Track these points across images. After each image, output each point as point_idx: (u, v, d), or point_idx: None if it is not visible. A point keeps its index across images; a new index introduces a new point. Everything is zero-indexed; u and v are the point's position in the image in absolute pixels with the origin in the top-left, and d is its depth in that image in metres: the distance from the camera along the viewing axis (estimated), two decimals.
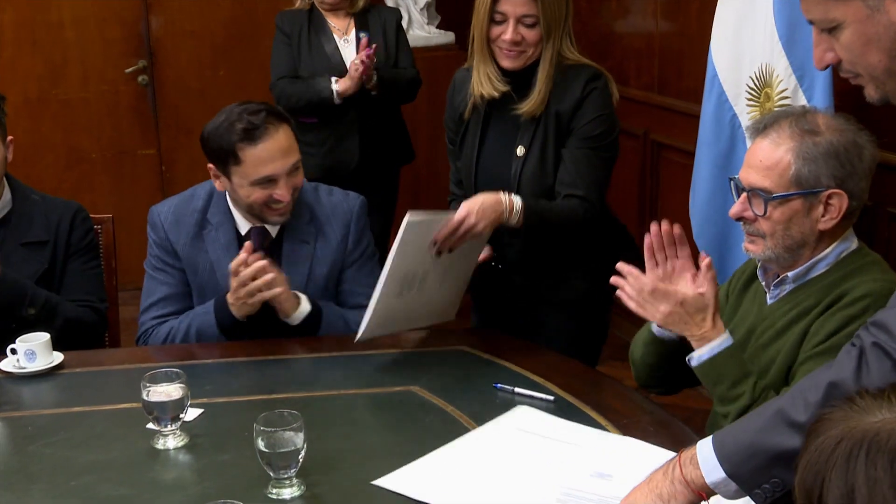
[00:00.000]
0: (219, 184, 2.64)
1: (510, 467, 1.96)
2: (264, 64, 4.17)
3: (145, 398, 2.05)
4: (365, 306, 2.45)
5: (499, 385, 2.29)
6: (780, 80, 2.92)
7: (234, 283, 2.52)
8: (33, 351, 2.40)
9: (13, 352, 2.41)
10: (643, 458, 1.92)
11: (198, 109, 5.32)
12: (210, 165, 2.63)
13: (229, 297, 2.55)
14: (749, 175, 2.05)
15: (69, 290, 2.74)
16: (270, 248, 2.65)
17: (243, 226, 2.68)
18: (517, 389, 2.25)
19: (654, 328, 2.21)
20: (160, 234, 2.71)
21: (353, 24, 4.02)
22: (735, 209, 2.10)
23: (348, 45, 3.98)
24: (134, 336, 2.74)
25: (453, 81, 2.84)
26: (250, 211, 2.62)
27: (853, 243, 2.08)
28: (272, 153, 2.52)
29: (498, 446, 2.04)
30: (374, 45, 3.81)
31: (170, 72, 5.29)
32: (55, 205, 2.82)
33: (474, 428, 2.10)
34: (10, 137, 2.72)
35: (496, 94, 2.65)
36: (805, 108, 2.12)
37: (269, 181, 2.54)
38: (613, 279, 2.18)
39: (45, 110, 5.17)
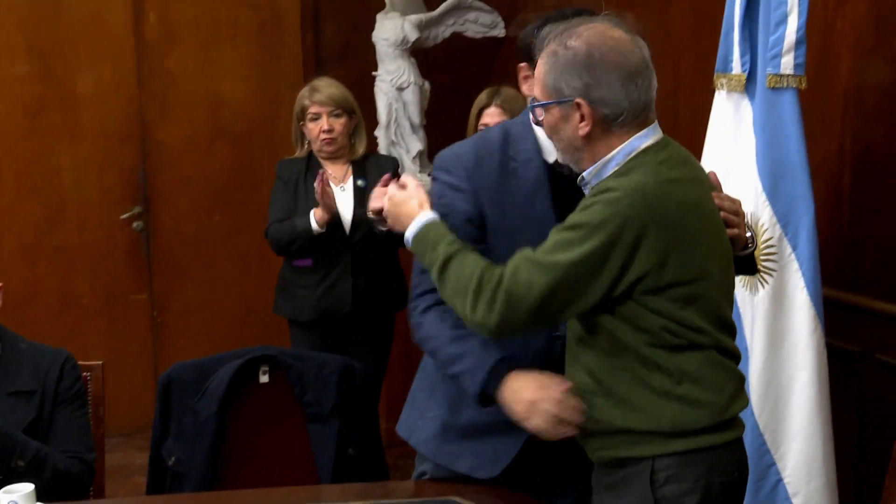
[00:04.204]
0: (526, 87, 2.51)
1: None
2: (260, 210, 4.22)
3: None
4: None
5: None
6: (766, 230, 2.96)
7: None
8: (17, 502, 2.36)
9: None
10: None
11: (192, 254, 5.39)
12: (523, 64, 2.53)
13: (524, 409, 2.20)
14: (534, 89, 2.22)
15: (56, 440, 2.71)
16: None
17: (552, 154, 2.42)
18: None
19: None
20: (460, 174, 2.43)
21: (350, 171, 4.08)
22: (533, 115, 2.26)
23: (344, 193, 4.04)
24: (119, 484, 2.70)
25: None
26: None
27: (646, 141, 2.12)
28: None
29: None
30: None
31: (165, 217, 5.36)
32: (43, 353, 2.81)
33: None
34: (0, 284, 2.74)
35: None
36: (576, 25, 2.14)
37: None
38: None
39: (40, 255, 5.21)
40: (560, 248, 2.06)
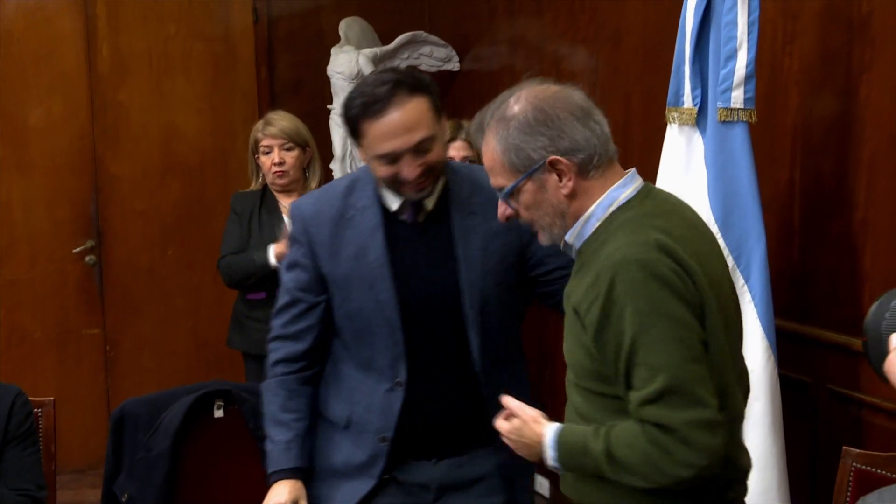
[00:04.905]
0: (360, 154, 2.50)
1: None
2: (214, 243, 4.20)
3: None
4: None
5: None
6: None
7: None
8: None
9: None
10: None
11: (145, 288, 5.34)
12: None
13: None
14: (490, 180, 2.12)
15: (7, 477, 2.67)
16: (430, 222, 2.51)
17: (394, 202, 2.49)
18: None
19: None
20: (298, 227, 2.54)
21: None
22: (500, 213, 2.14)
23: None
24: None
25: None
26: (386, 186, 2.47)
27: (626, 191, 2.06)
28: (392, 128, 2.34)
29: None
30: None
31: (118, 251, 5.31)
32: None
33: None
34: None
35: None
36: (505, 95, 2.10)
37: (393, 158, 2.37)
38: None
39: None
40: (654, 370, 1.90)
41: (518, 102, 2.04)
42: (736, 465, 2.10)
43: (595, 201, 2.05)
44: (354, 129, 2.41)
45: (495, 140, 2.05)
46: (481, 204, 2.49)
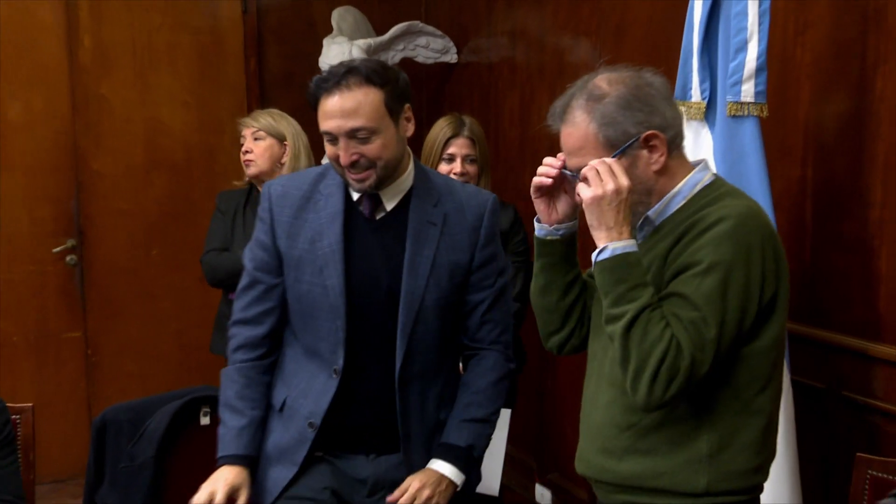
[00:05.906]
0: None
1: None
2: (200, 243, 4.17)
3: None
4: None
5: None
6: None
7: None
8: None
9: None
10: None
11: (128, 290, 5.29)
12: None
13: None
14: (573, 161, 2.19)
15: None
16: (388, 221, 2.60)
17: (355, 192, 2.60)
18: None
19: (545, 231, 2.32)
20: (265, 205, 2.65)
21: None
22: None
23: None
24: None
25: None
26: (334, 168, 2.58)
27: (707, 174, 2.23)
28: (333, 109, 2.46)
29: None
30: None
31: (100, 251, 5.24)
32: None
33: None
34: None
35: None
36: (586, 79, 2.22)
37: (332, 138, 2.49)
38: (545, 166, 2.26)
39: None
40: (708, 309, 2.05)
41: (606, 83, 2.16)
42: (773, 447, 2.24)
43: (678, 181, 2.19)
44: (314, 102, 2.52)
45: (588, 117, 2.14)
46: (444, 216, 2.62)
